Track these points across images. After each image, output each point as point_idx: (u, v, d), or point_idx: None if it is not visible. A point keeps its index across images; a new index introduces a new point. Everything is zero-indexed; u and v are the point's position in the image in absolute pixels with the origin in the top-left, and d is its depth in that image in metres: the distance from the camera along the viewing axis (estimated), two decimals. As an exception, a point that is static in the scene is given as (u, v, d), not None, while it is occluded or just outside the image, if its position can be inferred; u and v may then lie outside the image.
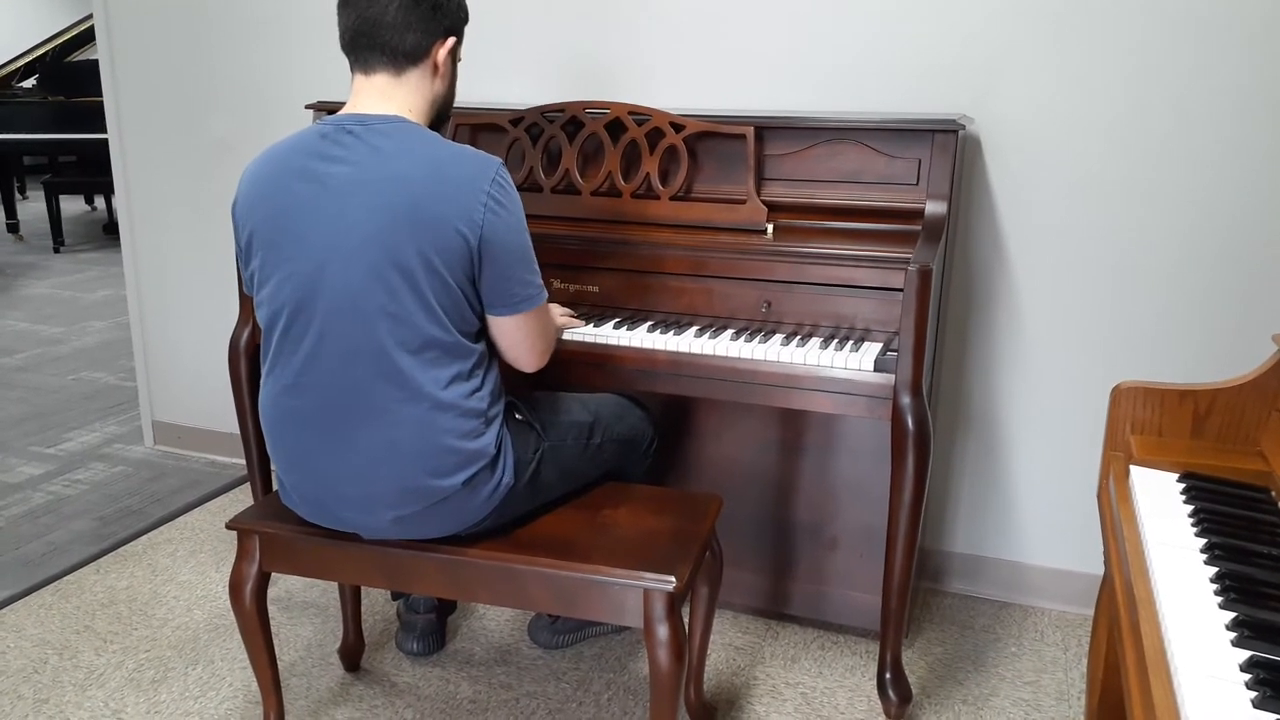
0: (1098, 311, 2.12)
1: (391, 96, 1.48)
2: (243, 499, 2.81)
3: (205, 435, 3.10)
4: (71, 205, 8.20)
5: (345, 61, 1.51)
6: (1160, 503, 1.29)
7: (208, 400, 3.03)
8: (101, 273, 5.96)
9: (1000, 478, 2.29)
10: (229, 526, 1.63)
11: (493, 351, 1.56)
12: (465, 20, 1.57)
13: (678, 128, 1.98)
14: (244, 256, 1.51)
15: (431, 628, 2.08)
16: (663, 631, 1.46)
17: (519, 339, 1.55)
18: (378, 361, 1.42)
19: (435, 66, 1.51)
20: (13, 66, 6.79)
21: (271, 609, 1.91)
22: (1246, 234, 1.99)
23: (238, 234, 1.51)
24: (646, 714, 1.89)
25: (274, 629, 1.82)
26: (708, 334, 1.83)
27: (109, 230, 7.20)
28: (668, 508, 1.67)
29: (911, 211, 1.89)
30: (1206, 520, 1.23)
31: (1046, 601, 2.30)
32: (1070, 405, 2.18)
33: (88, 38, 6.69)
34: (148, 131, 2.90)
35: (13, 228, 6.93)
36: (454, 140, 1.56)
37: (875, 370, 1.70)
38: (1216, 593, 1.06)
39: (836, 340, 1.79)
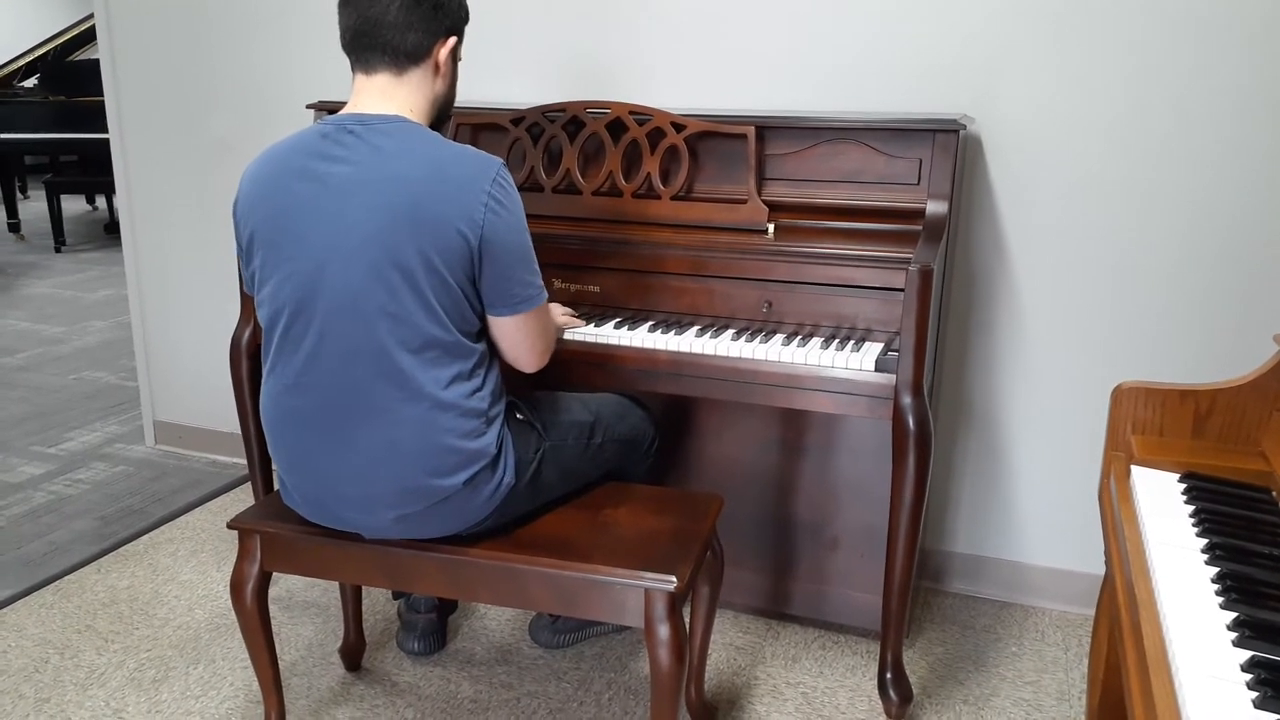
0: (1098, 311, 2.12)
1: (392, 96, 1.48)
2: (244, 499, 2.81)
3: (206, 435, 3.10)
4: (73, 205, 8.20)
5: (346, 61, 1.51)
6: (1161, 503, 1.29)
7: (209, 400, 3.03)
8: (103, 272, 5.96)
9: (1001, 478, 2.29)
10: (230, 526, 1.63)
11: (493, 351, 1.56)
12: (466, 20, 1.57)
13: (679, 127, 1.98)
14: (245, 256, 1.51)
15: (432, 627, 2.08)
16: (664, 631, 1.46)
17: (519, 339, 1.55)
18: (378, 361, 1.42)
19: (436, 66, 1.51)
20: (14, 66, 6.81)
21: (272, 608, 1.92)
22: (1246, 234, 1.99)
23: (238, 233, 1.51)
24: (647, 714, 1.89)
25: (275, 628, 1.82)
26: (709, 334, 1.83)
27: (110, 230, 7.21)
28: (668, 507, 1.67)
29: (912, 211, 1.89)
30: (1207, 520, 1.23)
31: (1047, 601, 2.30)
32: (1071, 405, 2.18)
33: (88, 37, 6.70)
34: (148, 131, 2.90)
35: (14, 227, 6.94)
36: (455, 140, 1.56)
37: (876, 370, 1.70)
38: (1217, 593, 1.06)
39: (837, 340, 1.79)
